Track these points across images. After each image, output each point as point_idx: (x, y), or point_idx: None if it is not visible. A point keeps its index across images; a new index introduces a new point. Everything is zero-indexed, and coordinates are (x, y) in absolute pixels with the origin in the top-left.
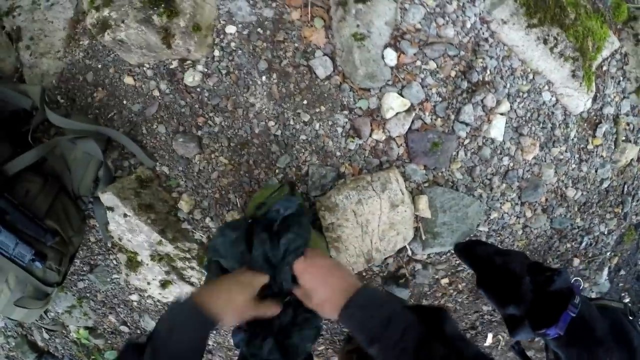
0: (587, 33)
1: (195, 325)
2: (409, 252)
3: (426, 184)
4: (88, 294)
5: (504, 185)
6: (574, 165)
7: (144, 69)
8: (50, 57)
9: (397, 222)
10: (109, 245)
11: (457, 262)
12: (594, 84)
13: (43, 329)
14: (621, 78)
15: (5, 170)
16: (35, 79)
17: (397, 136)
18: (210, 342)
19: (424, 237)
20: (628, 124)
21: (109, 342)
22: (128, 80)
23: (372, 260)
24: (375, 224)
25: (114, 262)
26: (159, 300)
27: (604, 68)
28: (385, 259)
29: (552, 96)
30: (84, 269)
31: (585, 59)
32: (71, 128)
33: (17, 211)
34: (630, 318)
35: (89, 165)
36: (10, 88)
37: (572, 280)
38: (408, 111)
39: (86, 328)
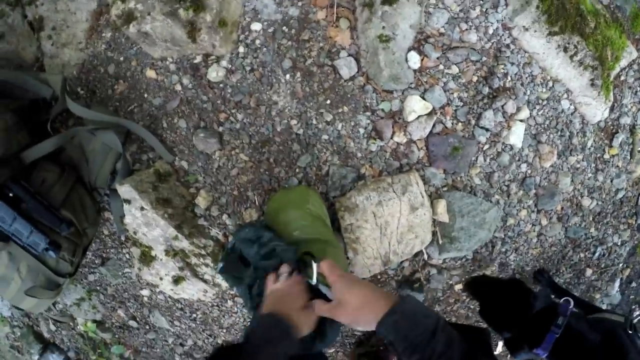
0: (606, 42)
1: (284, 336)
2: (425, 256)
3: (445, 188)
4: (98, 287)
5: (521, 192)
6: (590, 175)
7: (167, 62)
8: (72, 47)
9: (416, 225)
10: (123, 238)
11: (472, 268)
12: (611, 93)
13: (50, 320)
14: (638, 88)
15: (22, 157)
16: (55, 69)
17: (418, 139)
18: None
19: (441, 242)
20: None
21: (117, 336)
22: (150, 73)
23: (389, 262)
24: (394, 226)
25: (127, 256)
26: (170, 296)
27: (622, 78)
28: (402, 262)
29: (571, 104)
30: (96, 261)
31: (604, 68)
32: (91, 119)
33: (33, 199)
34: (630, 332)
35: (107, 157)
36: (31, 76)
37: (562, 300)
38: (430, 115)
39: (94, 321)
